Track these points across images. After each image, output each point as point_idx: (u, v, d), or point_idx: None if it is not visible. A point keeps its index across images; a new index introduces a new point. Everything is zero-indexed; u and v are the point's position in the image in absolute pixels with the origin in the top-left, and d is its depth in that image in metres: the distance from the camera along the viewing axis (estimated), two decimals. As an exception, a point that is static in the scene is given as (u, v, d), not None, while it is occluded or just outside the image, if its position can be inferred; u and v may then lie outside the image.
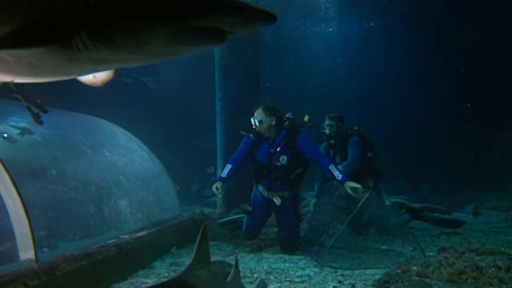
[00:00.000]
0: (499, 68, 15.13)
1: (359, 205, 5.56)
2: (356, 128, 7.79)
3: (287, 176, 6.46)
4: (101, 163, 5.78)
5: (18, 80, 3.10)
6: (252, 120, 6.43)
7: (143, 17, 2.15)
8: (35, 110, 4.48)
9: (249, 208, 6.65)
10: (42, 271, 3.67)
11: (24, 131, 5.04)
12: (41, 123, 4.56)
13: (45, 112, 5.17)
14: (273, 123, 6.37)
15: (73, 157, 5.33)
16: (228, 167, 6.44)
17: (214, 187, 6.18)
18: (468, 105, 14.91)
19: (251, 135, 6.50)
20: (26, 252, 3.86)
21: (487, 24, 15.10)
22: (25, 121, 5.36)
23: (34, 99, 4.38)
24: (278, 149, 6.35)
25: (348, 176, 6.19)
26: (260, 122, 6.36)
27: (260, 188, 6.56)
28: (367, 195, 5.64)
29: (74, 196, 4.86)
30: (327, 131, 7.64)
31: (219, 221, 7.35)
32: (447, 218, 8.38)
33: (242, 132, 6.58)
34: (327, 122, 7.68)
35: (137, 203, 6.23)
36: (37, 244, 3.95)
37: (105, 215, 5.28)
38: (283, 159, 6.34)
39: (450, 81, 16.49)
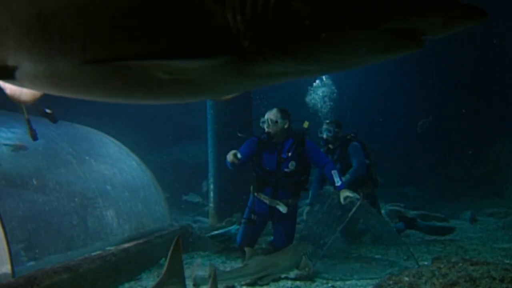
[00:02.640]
0: (495, 74, 15.08)
1: (350, 214, 5.44)
2: (352, 134, 7.71)
3: (293, 183, 6.35)
4: (86, 173, 5.64)
5: (166, 102, 2.76)
6: (265, 120, 6.28)
7: (336, 21, 1.76)
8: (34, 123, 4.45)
9: (254, 217, 6.40)
10: (18, 285, 3.53)
11: (17, 147, 4.94)
12: (36, 139, 4.50)
13: (56, 121, 5.16)
14: (286, 126, 6.27)
15: (56, 167, 5.19)
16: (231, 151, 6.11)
17: (230, 155, 5.88)
18: (463, 110, 14.82)
19: (256, 138, 6.35)
20: (2, 266, 3.72)
21: (482, 30, 15.06)
22: (14, 131, 5.26)
23: (43, 109, 4.32)
24: (290, 154, 6.22)
25: (349, 184, 6.15)
26: (275, 122, 6.21)
27: (262, 196, 6.38)
28: (358, 204, 5.53)
29: (56, 207, 4.72)
30: (324, 136, 7.58)
31: (208, 234, 7.15)
32: (438, 226, 8.34)
33: (239, 135, 6.44)
34: (324, 127, 7.63)
35: (125, 214, 6.09)
36: (14, 258, 3.81)
37: (89, 226, 5.14)
38: (292, 165, 6.22)
39: (446, 87, 16.44)
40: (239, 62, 1.88)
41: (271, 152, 6.31)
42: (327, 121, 7.75)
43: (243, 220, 6.58)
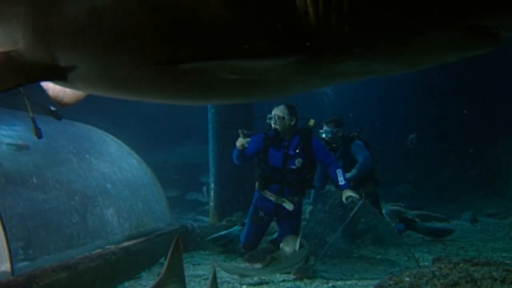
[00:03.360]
0: (496, 74, 15.04)
1: (351, 214, 5.42)
2: (355, 133, 7.70)
3: (299, 180, 6.35)
4: (86, 171, 5.62)
5: (224, 102, 2.65)
6: (271, 116, 6.28)
7: (415, 18, 1.67)
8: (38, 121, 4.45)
9: (261, 214, 6.35)
10: (17, 284, 3.52)
11: (20, 147, 4.93)
12: (40, 137, 4.50)
13: (60, 119, 5.18)
14: (293, 123, 6.28)
15: (56, 165, 5.18)
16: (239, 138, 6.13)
17: (239, 141, 5.97)
18: (465, 111, 14.78)
19: (263, 135, 6.35)
20: (1, 265, 3.71)
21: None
22: (15, 129, 5.25)
23: (48, 107, 4.32)
24: (297, 150, 6.23)
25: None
26: (282, 118, 6.20)
27: (268, 193, 6.36)
28: (359, 204, 5.51)
29: (56, 205, 4.70)
30: (325, 138, 7.54)
31: (209, 238, 7.09)
32: (437, 228, 8.36)
33: (245, 132, 6.43)
34: (324, 128, 7.60)
35: (125, 212, 6.08)
36: (14, 256, 3.80)
37: (89, 225, 5.13)
38: (299, 162, 6.22)
39: (447, 87, 16.39)
40: (311, 61, 1.81)
41: (277, 149, 6.30)
42: (326, 121, 7.70)
43: (249, 218, 6.55)
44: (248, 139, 6.00)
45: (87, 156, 6.03)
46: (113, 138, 7.38)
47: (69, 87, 2.60)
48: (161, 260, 6.12)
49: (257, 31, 1.77)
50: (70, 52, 2.12)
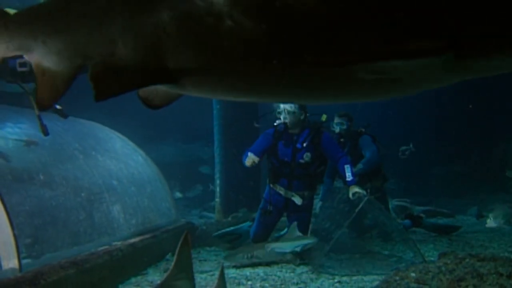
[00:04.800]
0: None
1: (356, 210, 5.42)
2: (363, 129, 7.71)
3: (308, 175, 6.39)
4: (93, 168, 5.64)
5: (355, 101, 2.52)
6: (281, 110, 6.30)
7: None
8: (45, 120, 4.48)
9: (270, 208, 6.39)
10: (25, 280, 3.54)
11: (29, 143, 4.96)
12: (47, 134, 4.53)
13: (66, 117, 5.22)
14: (302, 117, 6.31)
15: (62, 162, 5.19)
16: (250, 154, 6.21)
17: (250, 159, 6.09)
18: (470, 106, 14.73)
19: (272, 130, 6.39)
20: (9, 261, 3.73)
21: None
22: (21, 127, 5.28)
23: (54, 105, 4.35)
24: (305, 144, 6.26)
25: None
26: (292, 113, 6.23)
27: (278, 187, 6.40)
28: (365, 200, 5.52)
29: (63, 202, 4.72)
30: (337, 130, 7.55)
31: (215, 234, 7.11)
32: (443, 224, 8.38)
33: (256, 125, 6.44)
34: (336, 120, 7.62)
35: (131, 208, 6.09)
36: (22, 253, 3.82)
37: (96, 221, 5.15)
38: (307, 156, 6.26)
39: (454, 83, 16.32)
40: (456, 59, 1.73)
41: (286, 143, 6.35)
42: (339, 114, 7.69)
43: (258, 212, 6.57)
44: (257, 158, 6.10)
45: (93, 153, 6.05)
46: (119, 135, 7.40)
47: (179, 90, 2.36)
48: (167, 256, 6.13)
49: (406, 30, 1.69)
50: (182, 54, 1.96)
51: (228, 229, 7.16)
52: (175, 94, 2.54)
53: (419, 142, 15.91)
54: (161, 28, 1.90)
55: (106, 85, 2.07)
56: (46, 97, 2.31)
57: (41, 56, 2.22)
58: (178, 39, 1.90)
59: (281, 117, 6.28)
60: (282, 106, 6.28)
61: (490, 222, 6.72)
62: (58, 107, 5.12)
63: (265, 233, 6.56)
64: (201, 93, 2.36)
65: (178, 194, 14.24)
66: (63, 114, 5.24)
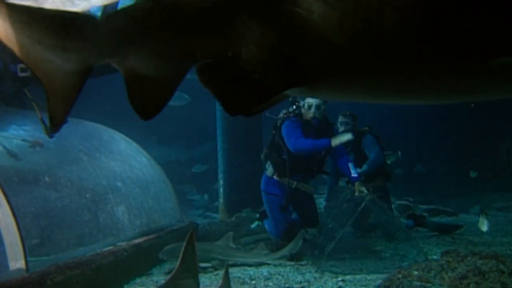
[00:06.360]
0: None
1: (359, 209, 5.45)
2: (367, 128, 7.75)
3: (318, 167, 6.59)
4: (97, 169, 5.69)
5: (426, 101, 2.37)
6: (311, 104, 6.29)
7: None
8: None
9: (284, 203, 6.46)
10: (32, 281, 3.59)
11: (34, 144, 5.00)
12: (51, 136, 4.55)
13: (66, 121, 5.22)
14: (325, 114, 6.47)
15: (67, 164, 5.25)
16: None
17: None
18: (472, 104, 14.71)
19: (299, 122, 6.36)
20: (16, 262, 3.78)
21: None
22: (26, 130, 5.32)
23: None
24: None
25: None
26: (319, 108, 6.28)
27: (289, 181, 6.42)
28: (367, 199, 5.54)
29: (68, 203, 4.77)
30: (342, 129, 7.56)
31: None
32: (445, 224, 8.41)
33: (268, 115, 6.47)
34: (341, 119, 7.65)
35: (136, 209, 6.14)
36: (28, 254, 3.87)
37: (101, 222, 5.20)
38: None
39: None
40: None
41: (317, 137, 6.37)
42: (344, 113, 7.71)
43: (275, 209, 6.58)
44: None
45: (98, 154, 6.10)
46: (123, 136, 7.43)
47: (302, 92, 2.06)
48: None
49: None
50: (333, 52, 1.68)
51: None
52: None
53: (419, 142, 16.00)
54: (301, 21, 1.61)
55: (240, 97, 1.80)
56: (148, 103, 1.98)
57: (138, 62, 1.91)
58: (323, 32, 1.62)
59: (312, 111, 6.29)
60: (309, 100, 6.31)
61: (483, 224, 6.73)
62: None
63: (291, 228, 6.50)
64: (335, 95, 2.20)
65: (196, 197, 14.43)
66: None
